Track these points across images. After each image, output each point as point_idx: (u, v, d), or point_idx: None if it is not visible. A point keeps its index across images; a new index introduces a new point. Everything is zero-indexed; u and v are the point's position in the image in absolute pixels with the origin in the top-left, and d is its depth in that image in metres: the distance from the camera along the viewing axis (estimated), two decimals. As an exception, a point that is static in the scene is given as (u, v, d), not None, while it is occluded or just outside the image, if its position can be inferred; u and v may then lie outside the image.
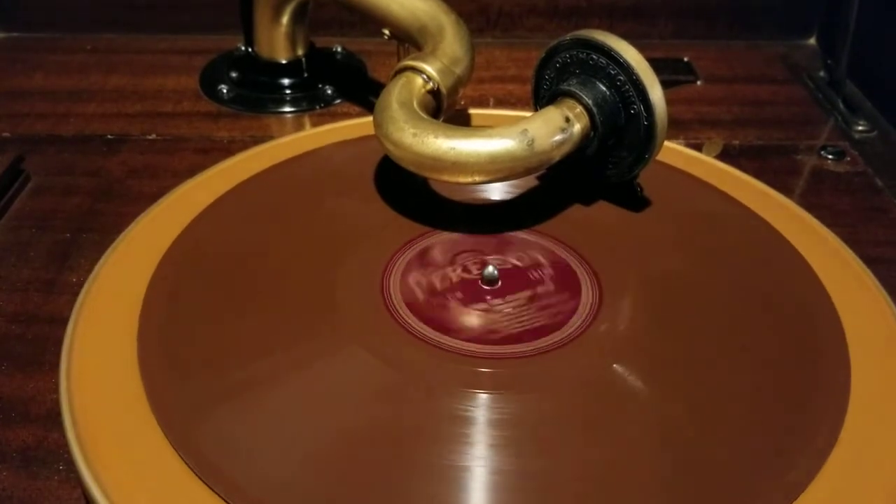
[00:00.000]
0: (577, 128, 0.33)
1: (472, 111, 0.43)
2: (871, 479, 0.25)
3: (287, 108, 0.49)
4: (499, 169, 0.31)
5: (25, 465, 0.28)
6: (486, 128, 0.32)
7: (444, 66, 0.36)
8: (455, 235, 0.34)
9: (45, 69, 0.53)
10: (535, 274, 0.32)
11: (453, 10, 0.40)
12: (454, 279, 0.32)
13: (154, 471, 0.24)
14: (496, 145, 0.31)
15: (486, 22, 0.58)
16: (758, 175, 0.40)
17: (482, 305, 0.31)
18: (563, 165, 0.34)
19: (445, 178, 0.32)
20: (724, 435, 0.26)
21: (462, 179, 0.31)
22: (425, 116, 0.33)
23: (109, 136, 0.46)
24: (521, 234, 0.34)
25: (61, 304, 0.34)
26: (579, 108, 0.33)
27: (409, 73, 0.35)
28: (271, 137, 0.43)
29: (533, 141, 0.31)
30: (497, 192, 0.37)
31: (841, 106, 0.50)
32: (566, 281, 0.32)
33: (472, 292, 0.31)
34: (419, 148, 0.31)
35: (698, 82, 0.53)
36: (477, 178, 0.32)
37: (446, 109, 0.36)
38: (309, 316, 0.30)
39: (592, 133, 0.33)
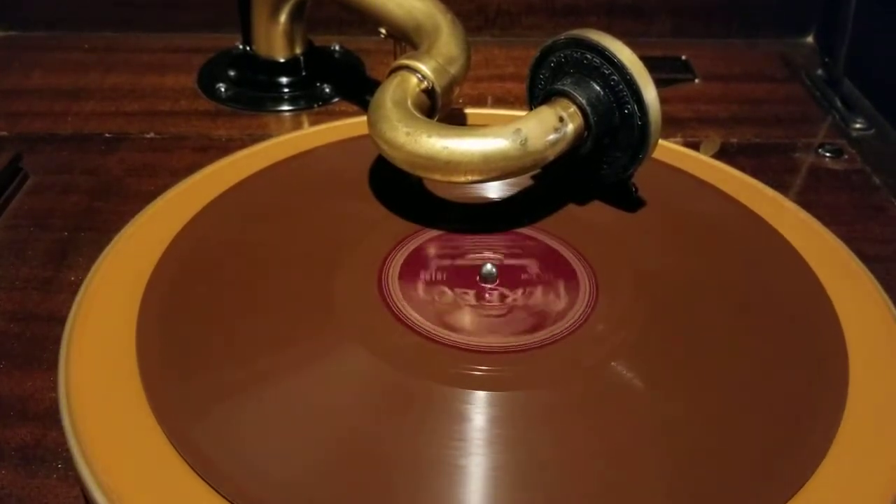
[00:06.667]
0: (570, 127, 0.33)
1: (469, 110, 0.44)
2: (868, 478, 0.25)
3: (285, 107, 0.49)
4: (492, 168, 0.31)
5: (24, 463, 0.28)
6: (480, 127, 0.32)
7: (438, 65, 0.36)
8: (452, 233, 0.34)
9: (43, 68, 0.53)
10: (532, 270, 0.32)
11: (450, 9, 0.40)
12: (451, 276, 0.32)
13: (153, 469, 0.24)
14: (489, 144, 0.31)
15: (484, 20, 0.58)
16: (755, 173, 0.40)
17: (480, 302, 0.31)
18: (558, 164, 0.34)
19: (439, 177, 0.32)
20: (721, 433, 0.26)
21: (455, 179, 0.32)
22: (419, 116, 0.33)
23: (107, 135, 0.46)
24: (518, 232, 0.34)
25: (59, 302, 0.34)
26: (573, 108, 0.33)
27: (403, 72, 0.35)
28: (269, 136, 0.43)
29: (526, 140, 0.31)
30: (494, 190, 0.37)
31: (838, 104, 0.50)
32: (563, 278, 0.32)
33: (469, 289, 0.31)
34: (412, 147, 0.31)
35: (696, 80, 0.53)
36: (470, 178, 0.32)
37: (441, 109, 0.36)
38: (307, 314, 0.30)
39: (586, 133, 0.33)
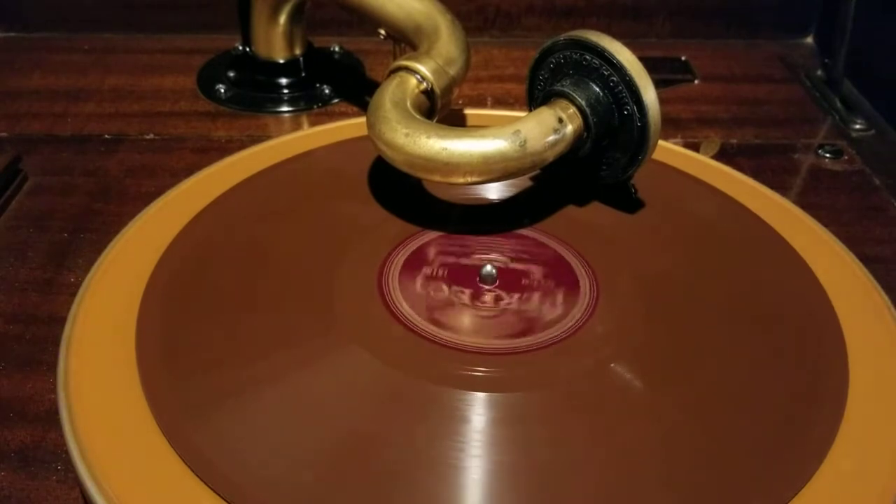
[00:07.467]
0: (569, 129, 0.33)
1: (468, 111, 0.44)
2: (868, 477, 0.25)
3: (285, 108, 0.49)
4: (491, 169, 0.31)
5: (24, 465, 0.28)
6: (479, 128, 0.32)
7: (438, 66, 0.36)
8: (452, 235, 0.34)
9: (43, 69, 0.53)
10: (532, 272, 0.32)
11: (450, 10, 0.40)
12: (452, 278, 0.32)
13: (152, 471, 0.24)
14: (488, 146, 0.31)
15: (484, 21, 0.58)
16: (755, 174, 0.40)
17: (479, 303, 0.31)
18: (558, 165, 0.34)
19: (438, 178, 0.32)
20: (721, 433, 0.26)
21: (454, 180, 0.32)
22: (418, 117, 0.33)
23: (107, 136, 0.46)
24: (519, 233, 0.34)
25: (59, 303, 0.34)
26: (572, 109, 0.33)
27: (403, 73, 0.35)
28: (269, 137, 0.43)
29: (525, 141, 0.31)
30: (493, 191, 0.37)
31: (838, 104, 0.50)
32: (563, 279, 0.32)
33: (469, 290, 0.31)
34: (411, 148, 0.31)
35: (696, 81, 0.53)
36: (469, 179, 0.32)
37: (440, 110, 0.36)
38: (307, 315, 0.30)
39: (585, 134, 0.33)
